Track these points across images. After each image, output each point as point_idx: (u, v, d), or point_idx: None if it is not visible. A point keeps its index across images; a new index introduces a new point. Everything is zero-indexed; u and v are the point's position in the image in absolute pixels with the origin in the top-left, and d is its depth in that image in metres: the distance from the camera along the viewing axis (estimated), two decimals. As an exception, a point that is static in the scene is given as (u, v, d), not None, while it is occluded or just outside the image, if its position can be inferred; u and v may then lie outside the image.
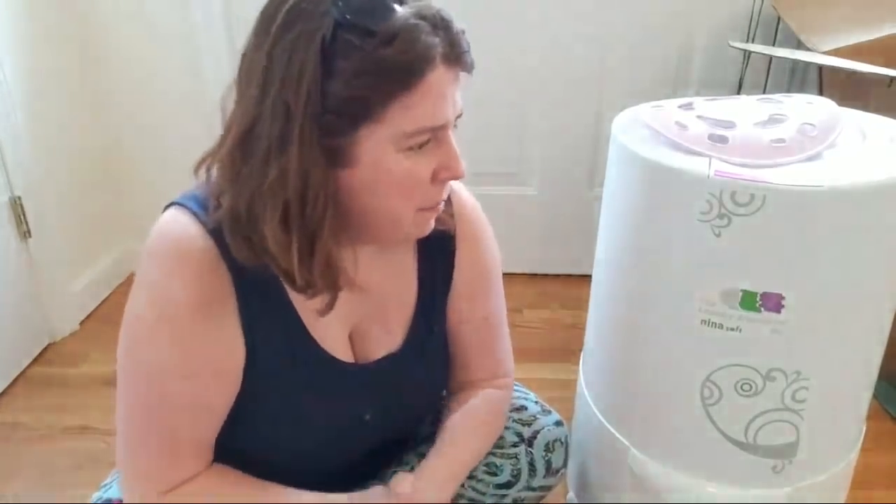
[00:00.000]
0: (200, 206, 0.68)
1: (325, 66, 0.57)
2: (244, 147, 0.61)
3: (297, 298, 0.72)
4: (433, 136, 0.64)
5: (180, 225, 0.68)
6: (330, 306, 0.68)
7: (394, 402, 0.82)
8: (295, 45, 0.58)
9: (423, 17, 0.59)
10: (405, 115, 0.60)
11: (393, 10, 0.58)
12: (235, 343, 0.70)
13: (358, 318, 0.79)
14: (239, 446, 0.75)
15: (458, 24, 0.63)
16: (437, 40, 0.60)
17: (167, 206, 0.71)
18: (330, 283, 0.66)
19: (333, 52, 0.57)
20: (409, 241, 0.80)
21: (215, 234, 0.66)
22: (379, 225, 0.68)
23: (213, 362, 0.69)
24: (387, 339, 0.81)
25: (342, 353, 0.78)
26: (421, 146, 0.63)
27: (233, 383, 0.72)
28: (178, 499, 0.71)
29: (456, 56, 0.62)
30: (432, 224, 0.72)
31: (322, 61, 0.57)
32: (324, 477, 0.89)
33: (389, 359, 0.81)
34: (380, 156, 0.62)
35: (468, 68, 0.64)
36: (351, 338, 0.80)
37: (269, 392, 0.74)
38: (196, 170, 0.67)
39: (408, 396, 0.84)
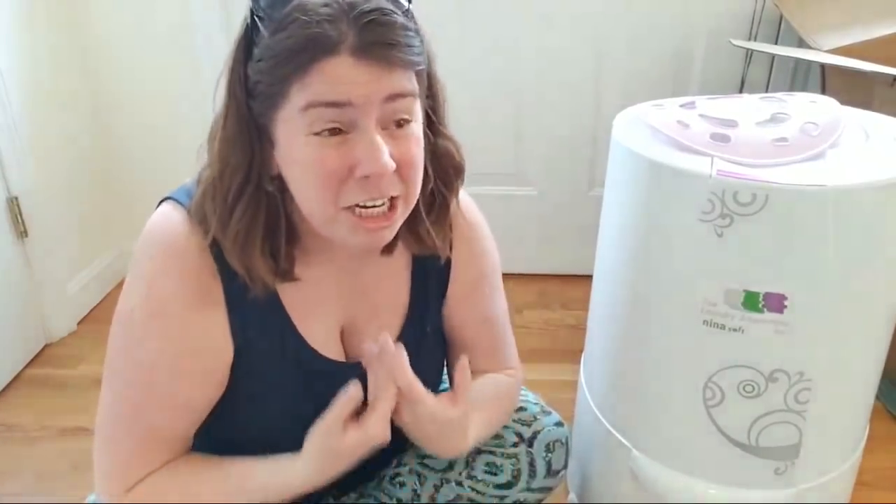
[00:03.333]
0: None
1: (246, 52, 0.62)
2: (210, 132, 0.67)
3: (286, 296, 0.72)
4: (342, 123, 0.61)
5: (173, 222, 0.69)
6: (258, 291, 0.68)
7: None
8: (238, 34, 0.64)
9: (327, 5, 0.58)
10: (300, 95, 0.60)
11: None
12: (223, 343, 0.71)
13: (349, 318, 0.79)
14: (227, 443, 0.75)
15: (394, 17, 0.59)
16: (335, 28, 0.58)
17: (161, 201, 0.72)
18: (247, 267, 0.67)
19: (251, 39, 0.62)
20: (374, 248, 0.72)
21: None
22: (314, 222, 0.67)
23: (199, 361, 0.70)
24: None
25: (332, 351, 0.77)
26: (328, 131, 0.61)
27: (218, 383, 0.72)
28: (141, 495, 0.70)
29: (365, 48, 0.58)
30: (380, 235, 0.66)
31: (245, 47, 0.62)
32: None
33: None
34: (290, 138, 0.62)
35: (390, 63, 0.60)
36: (343, 337, 0.79)
37: (258, 390, 0.74)
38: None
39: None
